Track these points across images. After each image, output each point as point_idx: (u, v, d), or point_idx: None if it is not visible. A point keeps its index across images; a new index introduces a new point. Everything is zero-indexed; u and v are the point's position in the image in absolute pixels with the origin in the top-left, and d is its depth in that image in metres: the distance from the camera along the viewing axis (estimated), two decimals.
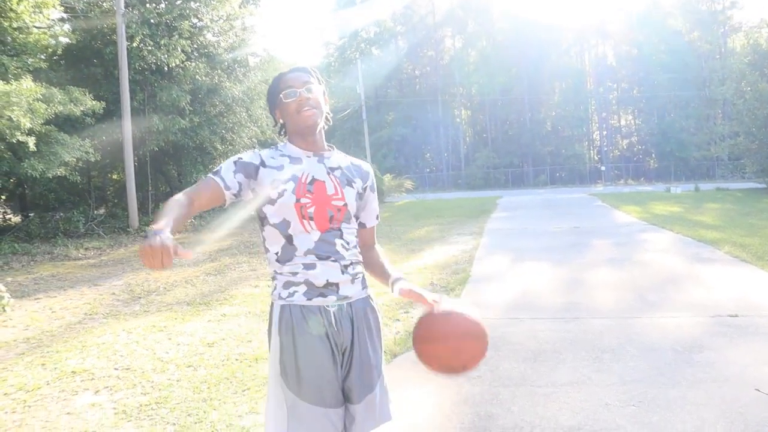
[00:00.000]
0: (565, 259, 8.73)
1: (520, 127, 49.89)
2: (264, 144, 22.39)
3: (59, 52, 16.20)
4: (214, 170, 1.88)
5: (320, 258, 1.88)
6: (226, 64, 18.83)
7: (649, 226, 12.47)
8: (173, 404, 3.76)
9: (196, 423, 3.45)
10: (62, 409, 3.78)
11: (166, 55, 15.75)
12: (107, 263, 10.80)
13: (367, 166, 2.13)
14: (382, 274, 2.09)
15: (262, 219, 1.95)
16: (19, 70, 12.18)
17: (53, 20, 15.64)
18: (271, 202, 1.88)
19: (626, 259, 8.51)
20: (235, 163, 1.89)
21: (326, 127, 2.07)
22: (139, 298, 7.41)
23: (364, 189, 2.07)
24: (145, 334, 5.57)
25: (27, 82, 11.01)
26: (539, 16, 47.34)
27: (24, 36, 13.63)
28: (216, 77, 18.15)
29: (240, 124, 19.16)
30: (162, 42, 15.80)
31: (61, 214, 15.72)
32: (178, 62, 16.25)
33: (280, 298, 1.91)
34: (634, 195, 25.00)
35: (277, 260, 1.92)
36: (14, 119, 10.58)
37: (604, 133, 51.54)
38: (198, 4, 16.90)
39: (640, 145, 50.41)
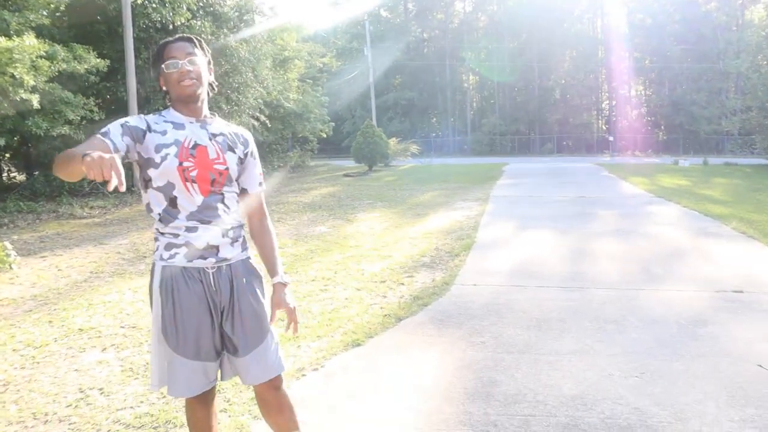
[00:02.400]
0: (570, 229, 8.71)
1: (528, 94, 49.31)
2: (269, 105, 22.24)
3: (62, 8, 15.90)
4: (102, 131, 1.90)
5: (202, 222, 1.99)
6: (232, 23, 18.54)
7: (656, 199, 12.42)
8: None
9: None
10: (70, 365, 3.83)
11: (171, 13, 15.49)
12: (112, 222, 10.83)
13: (247, 134, 2.24)
14: (268, 262, 2.22)
15: (146, 181, 2.02)
16: (22, 26, 11.95)
17: None
18: (155, 165, 1.96)
19: (632, 231, 8.49)
20: (122, 126, 1.93)
21: (210, 95, 2.17)
22: (144, 257, 7.44)
23: (245, 155, 2.16)
24: None
25: (30, 39, 10.82)
26: None
27: None
28: (222, 37, 17.89)
29: (246, 84, 18.95)
30: None
31: None
32: (183, 20, 15.98)
33: (162, 259, 2.02)
34: (641, 167, 24.84)
35: (160, 220, 2.01)
36: (17, 76, 10.45)
37: (614, 103, 50.82)
38: None
39: (650, 117, 49.80)
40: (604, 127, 50.66)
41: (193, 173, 1.98)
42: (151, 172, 1.97)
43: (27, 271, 6.79)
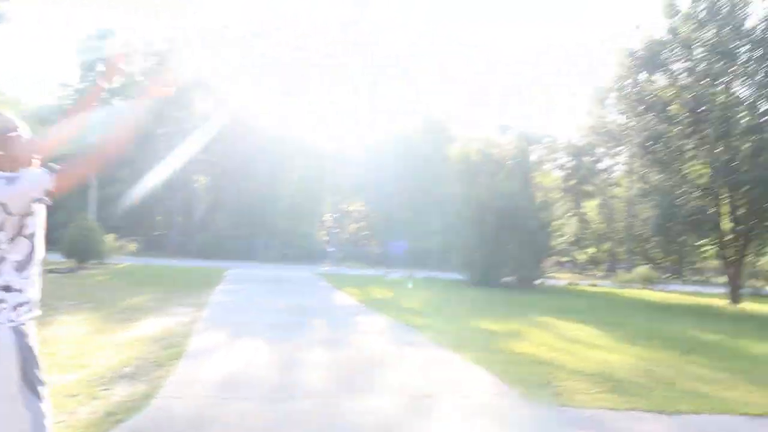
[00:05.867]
0: (284, 338, 8.88)
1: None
2: None
3: None
4: None
5: None
6: None
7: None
8: None
9: None
10: None
11: None
12: None
13: None
14: None
15: None
16: None
17: None
18: None
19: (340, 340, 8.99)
20: None
21: None
22: None
23: None
24: None
25: None
26: None
27: None
28: None
29: None
30: None
31: None
32: None
33: None
34: (355, 277, 26.48)
35: None
36: None
37: (337, 215, 54.39)
38: None
39: (369, 230, 54.07)
40: (325, 240, 53.37)
41: None
42: None
43: None
